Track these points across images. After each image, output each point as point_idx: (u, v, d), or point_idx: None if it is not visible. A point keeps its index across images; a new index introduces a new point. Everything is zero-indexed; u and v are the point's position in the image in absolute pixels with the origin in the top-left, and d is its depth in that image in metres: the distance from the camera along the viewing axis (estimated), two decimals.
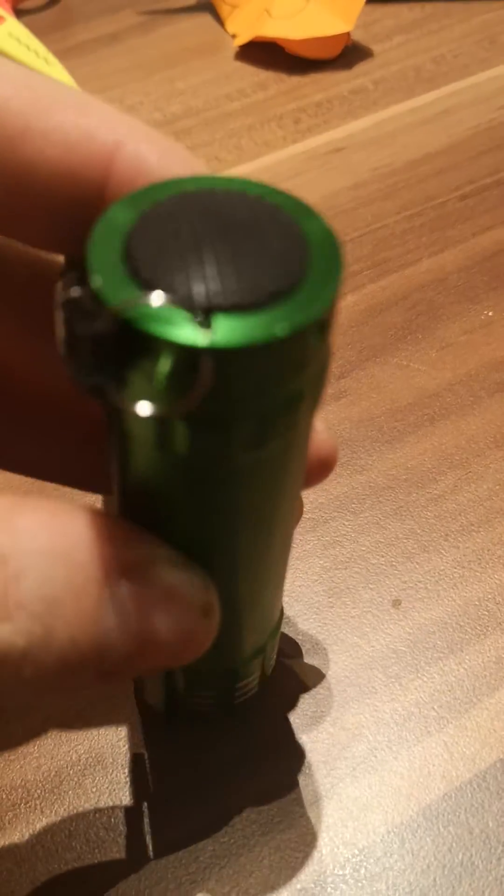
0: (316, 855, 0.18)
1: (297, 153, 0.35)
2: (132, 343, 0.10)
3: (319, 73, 0.38)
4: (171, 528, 0.12)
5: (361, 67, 0.38)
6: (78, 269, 0.12)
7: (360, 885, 0.18)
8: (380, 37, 0.40)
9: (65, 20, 0.41)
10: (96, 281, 0.10)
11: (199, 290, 0.10)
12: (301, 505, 0.17)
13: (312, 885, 0.18)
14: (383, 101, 0.37)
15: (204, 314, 0.10)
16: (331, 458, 0.16)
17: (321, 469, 0.16)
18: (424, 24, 0.41)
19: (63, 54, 0.37)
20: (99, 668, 0.12)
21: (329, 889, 0.18)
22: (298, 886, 0.18)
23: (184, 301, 0.10)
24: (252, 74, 0.38)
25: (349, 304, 0.29)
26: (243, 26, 0.39)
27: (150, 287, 0.10)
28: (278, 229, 0.11)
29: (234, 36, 0.40)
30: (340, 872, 0.18)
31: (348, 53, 0.39)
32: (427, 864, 0.18)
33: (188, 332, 0.09)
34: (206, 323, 0.09)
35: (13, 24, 0.37)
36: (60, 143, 0.12)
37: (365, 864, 0.18)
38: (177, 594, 0.12)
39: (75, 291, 0.10)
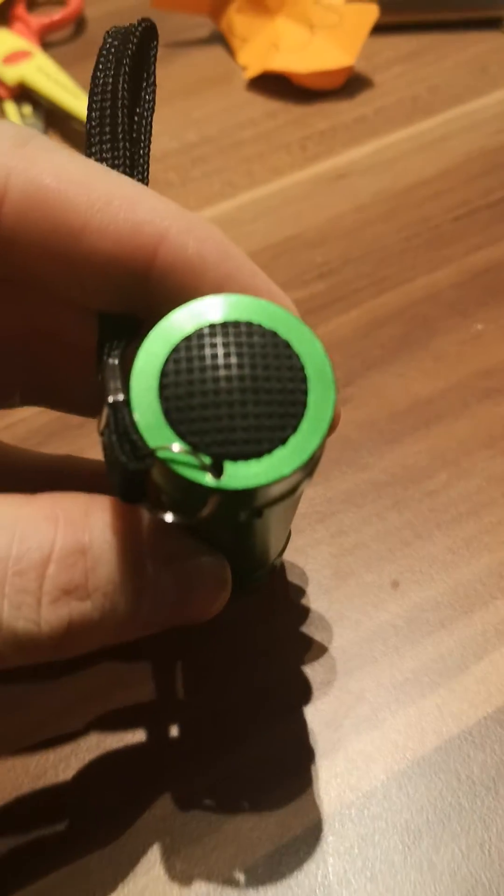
0: (325, 798, 0.21)
1: (304, 179, 0.37)
2: (161, 470, 0.13)
3: (324, 102, 0.41)
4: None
5: (363, 97, 0.41)
6: (114, 325, 0.15)
7: (363, 822, 0.21)
8: (380, 67, 0.42)
9: (89, 52, 0.43)
10: (139, 421, 0.13)
11: (213, 441, 0.13)
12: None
13: (323, 823, 0.21)
14: (383, 128, 0.39)
15: (216, 461, 0.13)
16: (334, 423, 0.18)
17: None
18: (421, 54, 0.43)
19: (87, 85, 0.40)
20: (145, 630, 0.15)
21: (337, 826, 0.21)
22: (311, 825, 0.21)
23: (201, 451, 0.13)
24: (262, 104, 0.41)
25: (352, 319, 0.32)
26: (253, 59, 0.42)
27: (179, 431, 0.13)
28: (284, 374, 0.13)
29: (244, 68, 0.42)
30: (347, 812, 0.21)
31: (351, 84, 0.41)
32: (421, 805, 0.21)
33: (201, 475, 0.13)
34: (216, 469, 0.13)
35: (42, 59, 0.40)
36: (113, 237, 0.14)
37: (368, 805, 0.21)
38: (204, 573, 0.16)
39: (117, 394, 0.14)
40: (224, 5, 0.44)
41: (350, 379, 0.30)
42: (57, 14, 0.44)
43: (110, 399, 0.14)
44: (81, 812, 0.21)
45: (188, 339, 0.13)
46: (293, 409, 0.13)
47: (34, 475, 0.21)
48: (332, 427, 0.14)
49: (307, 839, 0.21)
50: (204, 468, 0.13)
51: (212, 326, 0.13)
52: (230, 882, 0.20)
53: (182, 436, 0.13)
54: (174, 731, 0.22)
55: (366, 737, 0.22)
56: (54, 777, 0.21)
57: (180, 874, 0.20)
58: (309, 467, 0.14)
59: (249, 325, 0.13)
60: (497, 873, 0.20)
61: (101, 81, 0.17)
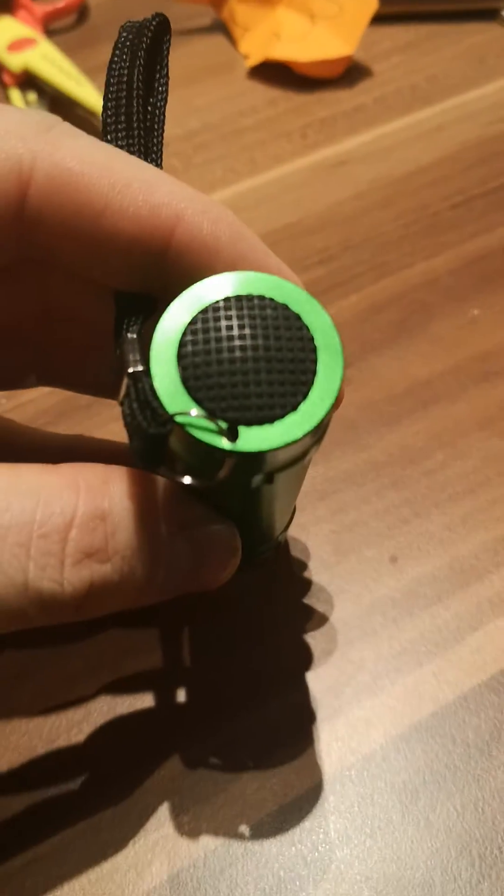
0: (327, 760, 0.22)
1: (304, 166, 0.38)
2: (179, 435, 0.14)
3: (324, 91, 0.41)
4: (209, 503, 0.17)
5: (362, 86, 0.42)
6: (131, 304, 0.16)
7: (363, 783, 0.22)
8: (379, 57, 0.43)
9: (92, 38, 0.44)
10: (159, 389, 0.14)
11: (229, 406, 0.13)
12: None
13: (325, 783, 0.22)
14: (382, 117, 0.40)
15: (231, 426, 0.13)
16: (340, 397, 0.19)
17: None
18: (419, 44, 0.44)
19: (91, 72, 0.40)
20: (161, 594, 0.16)
21: (338, 786, 0.22)
22: (313, 785, 0.22)
23: (218, 416, 0.13)
24: (263, 93, 0.41)
25: (352, 304, 0.32)
26: (254, 48, 0.43)
27: (197, 397, 0.13)
28: (295, 344, 0.14)
29: (246, 56, 0.43)
30: (347, 773, 0.22)
31: (350, 73, 0.42)
32: (418, 766, 0.22)
33: (218, 438, 0.13)
34: (232, 433, 0.13)
35: (46, 47, 0.41)
36: (133, 218, 0.15)
37: (367, 767, 0.22)
38: (216, 540, 0.16)
39: (137, 365, 0.14)
40: None
41: (350, 362, 0.31)
42: (60, 2, 0.45)
43: (130, 370, 0.14)
44: (94, 774, 0.22)
45: (204, 311, 0.14)
46: (304, 377, 0.14)
47: (46, 454, 0.22)
48: (339, 398, 0.15)
49: (310, 798, 0.22)
50: (220, 432, 0.13)
51: (226, 300, 0.14)
52: (237, 838, 0.21)
53: (199, 402, 0.14)
54: (182, 696, 0.23)
55: (366, 703, 0.23)
56: (67, 741, 0.22)
57: (189, 831, 0.21)
58: (318, 433, 0.14)
59: (262, 298, 0.14)
60: (490, 829, 0.21)
61: (116, 73, 0.17)
